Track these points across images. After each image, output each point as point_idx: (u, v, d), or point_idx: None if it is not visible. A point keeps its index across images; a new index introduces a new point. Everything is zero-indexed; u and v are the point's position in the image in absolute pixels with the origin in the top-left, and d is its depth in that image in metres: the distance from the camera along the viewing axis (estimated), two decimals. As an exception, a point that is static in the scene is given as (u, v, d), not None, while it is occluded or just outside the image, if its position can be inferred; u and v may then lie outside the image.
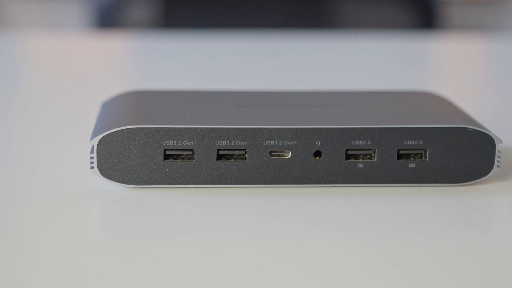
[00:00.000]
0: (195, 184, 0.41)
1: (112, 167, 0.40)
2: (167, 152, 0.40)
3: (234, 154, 0.41)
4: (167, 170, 0.40)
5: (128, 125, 0.40)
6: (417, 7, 1.40)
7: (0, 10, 1.62)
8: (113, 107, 0.44)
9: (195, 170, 0.40)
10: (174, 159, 0.40)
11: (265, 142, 0.40)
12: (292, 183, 0.41)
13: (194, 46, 0.91)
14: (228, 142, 0.40)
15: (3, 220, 0.38)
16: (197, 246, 0.35)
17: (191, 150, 0.40)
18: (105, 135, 0.40)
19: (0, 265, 0.33)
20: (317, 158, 0.41)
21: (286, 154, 0.41)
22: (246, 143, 0.40)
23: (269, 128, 0.40)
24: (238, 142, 0.40)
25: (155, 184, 0.40)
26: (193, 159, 0.40)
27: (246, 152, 0.40)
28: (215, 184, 0.41)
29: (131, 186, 0.40)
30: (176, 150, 0.40)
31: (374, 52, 0.90)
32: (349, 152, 0.41)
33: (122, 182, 0.40)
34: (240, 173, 0.41)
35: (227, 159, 0.41)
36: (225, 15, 1.36)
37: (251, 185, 0.41)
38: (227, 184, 0.41)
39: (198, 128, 0.40)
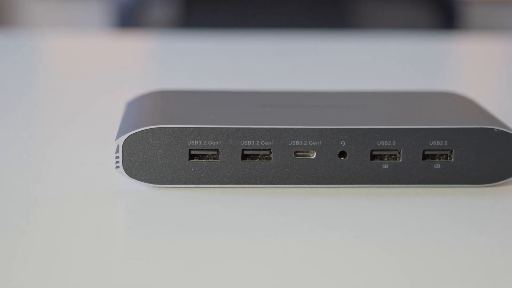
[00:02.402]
0: (220, 184, 0.41)
1: (137, 166, 0.40)
2: (192, 152, 0.40)
3: (258, 154, 0.41)
4: (192, 170, 0.40)
5: (153, 125, 0.40)
6: (438, 8, 1.39)
7: (21, 10, 1.63)
8: (138, 107, 0.44)
9: (220, 170, 0.40)
10: (199, 159, 0.40)
11: (290, 142, 0.40)
12: (316, 184, 0.41)
13: (215, 46, 0.91)
14: (253, 142, 0.40)
15: (30, 218, 0.38)
16: (221, 246, 0.35)
17: (216, 150, 0.40)
18: (130, 135, 0.40)
19: (28, 261, 0.33)
20: (342, 158, 0.41)
21: (311, 154, 0.41)
22: (271, 143, 0.40)
23: (294, 128, 0.40)
24: (263, 142, 0.40)
25: (180, 184, 0.41)
26: (218, 159, 0.40)
27: (270, 152, 0.40)
28: (240, 184, 0.41)
29: (156, 185, 0.41)
30: (201, 150, 0.40)
31: (395, 52, 0.90)
32: (374, 153, 0.41)
33: (147, 182, 0.40)
34: (264, 173, 0.41)
35: (251, 159, 0.41)
36: (246, 15, 1.36)
37: (275, 185, 0.41)
38: (251, 184, 0.41)
39: (223, 128, 0.40)
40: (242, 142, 0.40)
